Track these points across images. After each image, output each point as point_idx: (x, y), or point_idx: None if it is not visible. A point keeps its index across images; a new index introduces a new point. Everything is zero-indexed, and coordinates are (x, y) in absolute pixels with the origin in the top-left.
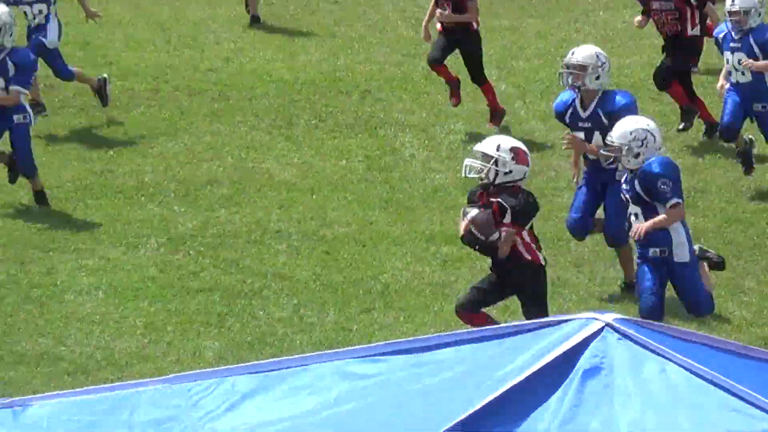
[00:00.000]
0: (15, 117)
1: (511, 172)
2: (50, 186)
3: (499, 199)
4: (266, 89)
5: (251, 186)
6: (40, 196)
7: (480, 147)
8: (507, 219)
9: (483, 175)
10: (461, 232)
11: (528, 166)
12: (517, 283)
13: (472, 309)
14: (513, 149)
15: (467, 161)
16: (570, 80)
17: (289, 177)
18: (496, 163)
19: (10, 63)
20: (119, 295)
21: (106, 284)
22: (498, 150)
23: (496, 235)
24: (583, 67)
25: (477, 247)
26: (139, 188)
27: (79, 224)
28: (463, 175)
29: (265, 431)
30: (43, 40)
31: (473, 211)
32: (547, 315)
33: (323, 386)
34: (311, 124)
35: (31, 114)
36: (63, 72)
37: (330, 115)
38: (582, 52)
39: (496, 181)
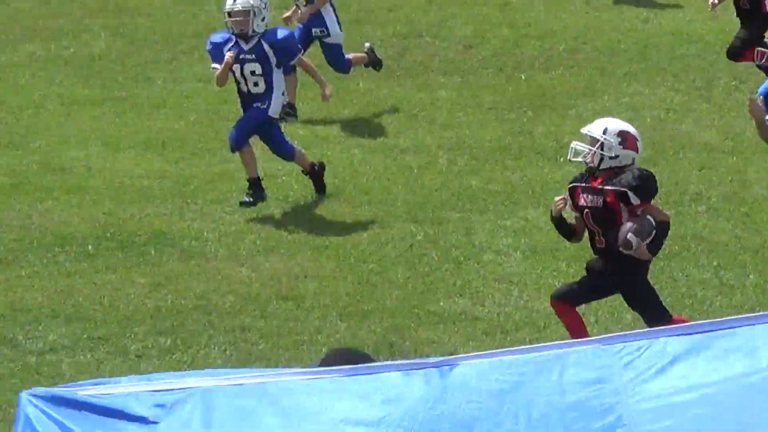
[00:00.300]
0: (257, 103)
1: (617, 156)
2: (470, 146)
3: (610, 186)
4: (686, 50)
5: (670, 147)
6: (252, 183)
7: (588, 129)
8: (634, 200)
9: (588, 159)
10: (618, 243)
11: (637, 152)
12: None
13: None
14: (621, 133)
15: (573, 144)
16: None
17: (709, 139)
18: (602, 147)
19: (266, 46)
20: (537, 256)
21: (524, 245)
22: (605, 133)
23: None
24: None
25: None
26: (557, 150)
27: (497, 184)
28: (568, 158)
29: (695, 395)
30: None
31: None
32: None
33: (752, 348)
34: (731, 85)
35: (272, 103)
36: (342, 62)
37: (750, 76)
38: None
39: (601, 166)
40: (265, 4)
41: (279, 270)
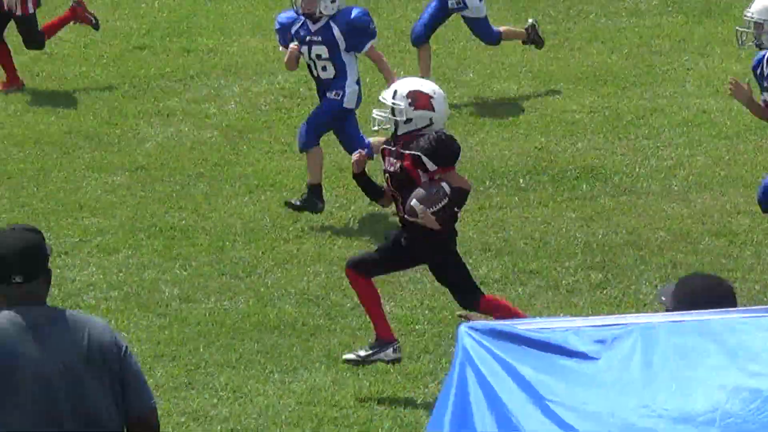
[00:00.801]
0: (329, 92)
1: (411, 119)
2: None
3: (407, 150)
4: None
5: None
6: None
7: (381, 95)
8: (429, 166)
9: (387, 126)
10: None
11: (433, 110)
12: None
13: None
14: (410, 94)
15: (374, 112)
16: None
17: None
18: (393, 112)
19: (335, 28)
20: None
21: None
22: (394, 97)
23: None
24: None
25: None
26: None
27: None
28: (372, 128)
29: None
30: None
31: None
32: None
33: None
34: None
35: (346, 92)
36: (489, 35)
37: None
38: None
39: (399, 132)
40: None
41: (711, 206)
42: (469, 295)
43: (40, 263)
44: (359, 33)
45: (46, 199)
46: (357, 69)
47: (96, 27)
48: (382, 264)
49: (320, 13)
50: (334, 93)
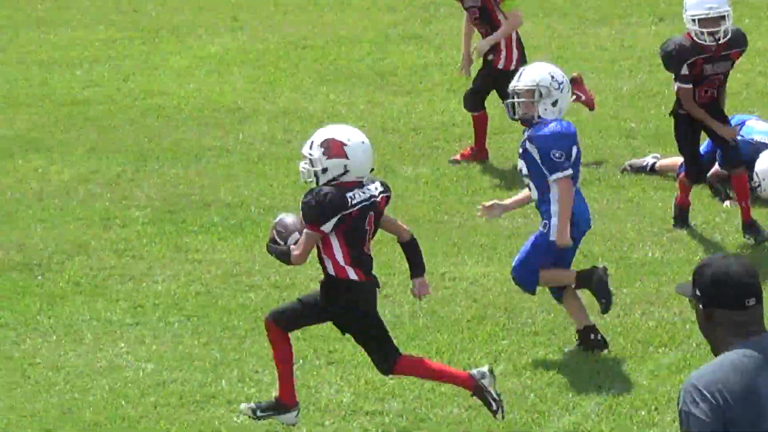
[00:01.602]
0: (542, 221)
1: (327, 169)
2: None
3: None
4: None
5: None
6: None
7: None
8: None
9: (308, 179)
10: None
11: (347, 158)
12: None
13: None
14: (324, 143)
15: (300, 165)
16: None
17: None
18: (311, 163)
19: (528, 142)
20: None
21: None
22: (311, 148)
23: (292, 239)
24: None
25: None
26: None
27: None
28: (299, 181)
29: None
30: None
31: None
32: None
33: None
34: None
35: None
36: None
37: None
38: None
39: (320, 182)
40: (560, 84)
41: None
42: (379, 360)
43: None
44: (545, 154)
45: None
46: (567, 196)
47: None
48: (300, 318)
49: (537, 117)
50: (542, 223)
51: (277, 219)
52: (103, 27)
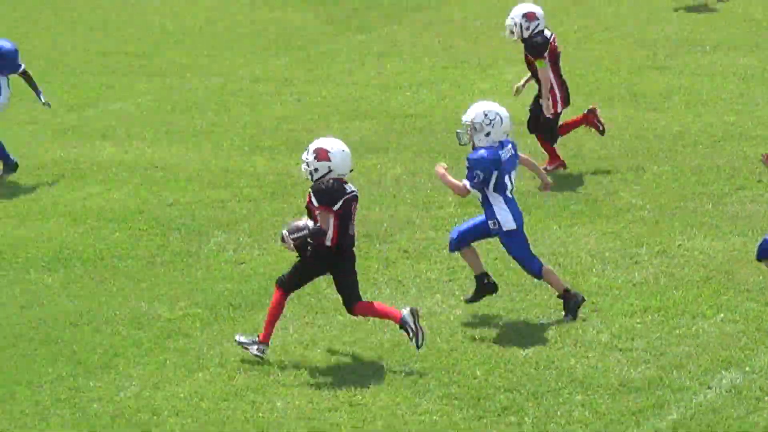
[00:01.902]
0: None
1: (317, 170)
2: None
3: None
4: None
5: None
6: None
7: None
8: (315, 202)
9: (306, 177)
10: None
11: (328, 161)
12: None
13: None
14: (315, 150)
15: (301, 167)
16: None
17: None
18: (307, 165)
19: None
20: None
21: None
22: (308, 154)
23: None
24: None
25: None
26: None
27: None
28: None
29: None
30: None
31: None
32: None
33: None
34: None
35: (499, 219)
36: None
37: None
38: None
39: (313, 179)
40: (491, 120)
41: None
42: (348, 299)
43: None
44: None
45: None
46: (499, 200)
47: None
48: (298, 279)
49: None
50: (490, 221)
51: (286, 230)
52: (427, 59)
